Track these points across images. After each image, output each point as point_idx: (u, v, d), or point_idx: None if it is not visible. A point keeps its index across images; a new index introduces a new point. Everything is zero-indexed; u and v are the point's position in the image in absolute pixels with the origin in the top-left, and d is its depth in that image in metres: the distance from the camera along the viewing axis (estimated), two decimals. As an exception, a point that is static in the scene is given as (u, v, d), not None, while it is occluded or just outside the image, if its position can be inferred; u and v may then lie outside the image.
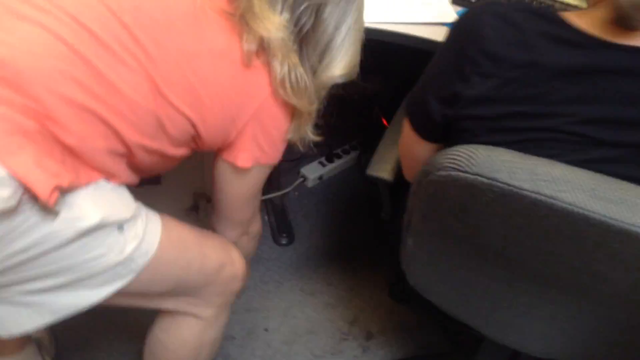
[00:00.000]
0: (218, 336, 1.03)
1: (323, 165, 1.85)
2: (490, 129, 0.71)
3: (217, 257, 0.92)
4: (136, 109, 0.70)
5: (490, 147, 0.65)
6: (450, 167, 0.65)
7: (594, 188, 0.60)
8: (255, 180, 0.89)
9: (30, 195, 0.62)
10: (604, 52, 0.67)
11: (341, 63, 0.81)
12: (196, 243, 0.89)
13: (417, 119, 0.83)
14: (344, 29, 0.79)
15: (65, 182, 0.65)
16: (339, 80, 0.83)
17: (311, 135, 0.86)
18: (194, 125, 0.76)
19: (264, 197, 1.74)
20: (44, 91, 0.63)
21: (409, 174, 0.95)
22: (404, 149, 0.91)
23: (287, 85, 0.76)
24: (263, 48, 0.74)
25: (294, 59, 0.76)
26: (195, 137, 0.79)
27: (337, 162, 1.87)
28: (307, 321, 1.47)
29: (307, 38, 0.78)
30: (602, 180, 0.61)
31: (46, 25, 0.65)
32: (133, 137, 0.72)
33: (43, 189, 0.61)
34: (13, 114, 0.61)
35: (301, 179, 1.82)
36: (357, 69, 0.85)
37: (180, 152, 0.81)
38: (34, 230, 0.64)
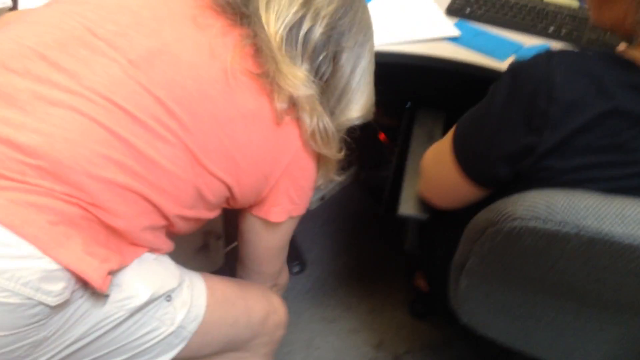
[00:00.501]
0: None
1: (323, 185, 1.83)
2: (568, 182, 0.66)
3: (261, 307, 0.91)
4: (176, 182, 0.69)
5: (568, 191, 0.62)
6: (525, 217, 0.62)
7: (686, 224, 0.58)
8: (285, 232, 0.89)
9: (80, 283, 0.61)
10: None
11: (358, 105, 0.82)
12: (240, 297, 0.88)
13: (476, 172, 0.77)
14: (358, 72, 0.80)
15: (115, 266, 0.64)
16: (357, 122, 0.83)
17: (336, 177, 0.86)
18: (230, 189, 0.75)
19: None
20: (84, 177, 0.62)
21: (435, 197, 0.90)
22: (440, 183, 0.86)
23: (317, 137, 0.76)
24: (293, 104, 0.74)
25: (319, 109, 0.76)
26: (229, 199, 0.78)
27: (337, 180, 1.85)
28: (332, 350, 1.43)
29: (327, 86, 0.78)
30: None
31: (79, 108, 0.63)
32: (174, 209, 0.70)
33: (97, 277, 0.61)
34: (55, 203, 0.60)
35: (304, 202, 1.80)
36: (374, 109, 0.85)
37: (214, 214, 0.80)
38: (87, 318, 0.64)
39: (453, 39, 1.15)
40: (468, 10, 1.22)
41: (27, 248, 0.58)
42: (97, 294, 0.64)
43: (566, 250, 0.64)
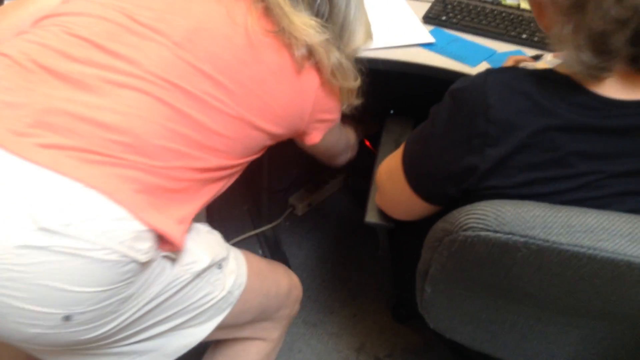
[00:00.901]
0: (276, 356, 1.11)
1: (311, 191, 1.84)
2: (514, 197, 0.66)
3: (286, 282, 1.01)
4: (228, 142, 0.79)
5: (517, 202, 0.63)
6: (477, 227, 0.63)
7: (631, 232, 0.59)
8: (334, 133, 0.99)
9: (157, 246, 0.70)
10: (619, 110, 0.65)
11: (359, 34, 0.90)
12: (270, 271, 0.98)
13: (425, 191, 0.79)
14: (352, 4, 0.88)
15: (187, 226, 0.75)
16: (363, 49, 0.93)
17: (356, 102, 0.95)
18: (271, 136, 0.86)
19: (255, 231, 1.72)
20: (159, 149, 0.70)
21: (390, 210, 0.93)
22: (395, 198, 0.88)
23: (337, 73, 0.85)
24: (309, 51, 0.82)
25: (332, 47, 0.84)
26: (271, 142, 0.88)
27: (325, 187, 1.86)
28: (313, 354, 1.45)
29: (328, 24, 0.85)
30: (638, 221, 0.60)
31: (144, 89, 0.71)
32: (230, 162, 0.81)
33: (178, 235, 0.71)
34: (137, 174, 0.68)
35: (290, 208, 1.81)
36: (371, 29, 0.95)
37: (260, 153, 0.90)
38: (162, 278, 0.73)
39: (427, 46, 1.16)
40: (444, 17, 1.23)
41: (121, 212, 0.65)
42: (169, 258, 0.73)
43: (517, 258, 0.65)
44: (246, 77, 0.78)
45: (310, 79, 0.85)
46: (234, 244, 1.67)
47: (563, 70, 0.67)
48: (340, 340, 1.47)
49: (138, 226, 0.66)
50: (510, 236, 0.63)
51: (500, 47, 1.17)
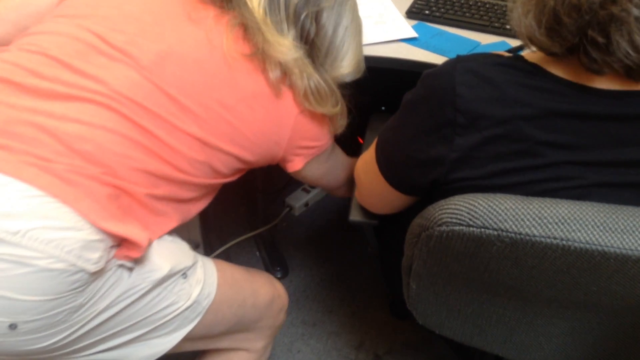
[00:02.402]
0: None
1: (307, 191, 1.83)
2: (485, 189, 0.66)
3: (267, 291, 0.98)
4: (193, 162, 0.79)
5: (490, 195, 0.62)
6: (451, 222, 0.63)
7: (605, 221, 0.58)
8: (322, 164, 0.97)
9: (111, 255, 0.71)
10: (586, 97, 0.64)
11: (345, 61, 0.89)
12: (247, 280, 0.96)
13: (396, 181, 0.79)
14: (341, 30, 0.87)
15: (151, 236, 0.75)
16: (349, 78, 0.91)
17: (342, 127, 0.94)
18: (241, 160, 0.85)
19: (252, 234, 1.72)
20: (119, 159, 0.71)
21: (369, 204, 0.92)
22: (371, 190, 0.87)
23: (310, 96, 0.83)
24: (284, 72, 0.81)
25: (309, 69, 0.83)
26: (243, 166, 0.87)
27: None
28: (313, 354, 1.45)
29: (313, 45, 0.85)
30: (611, 211, 0.60)
31: (109, 105, 0.72)
32: (196, 180, 0.81)
33: (143, 239, 0.71)
34: (98, 184, 0.69)
35: (287, 209, 1.80)
36: (363, 64, 0.94)
37: (233, 178, 0.89)
38: (116, 287, 0.72)
39: (410, 41, 1.16)
40: (427, 11, 1.23)
41: (73, 221, 0.66)
42: (126, 267, 0.73)
43: (493, 252, 0.65)
44: (215, 101, 0.78)
45: (288, 105, 0.84)
46: (231, 247, 1.68)
47: (531, 57, 0.67)
48: (340, 339, 1.47)
49: (88, 235, 0.67)
50: (483, 230, 0.63)
51: (485, 38, 1.16)
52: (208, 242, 1.56)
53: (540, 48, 0.66)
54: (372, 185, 0.85)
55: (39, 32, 0.79)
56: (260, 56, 0.79)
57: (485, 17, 1.19)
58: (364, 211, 0.95)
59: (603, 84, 0.65)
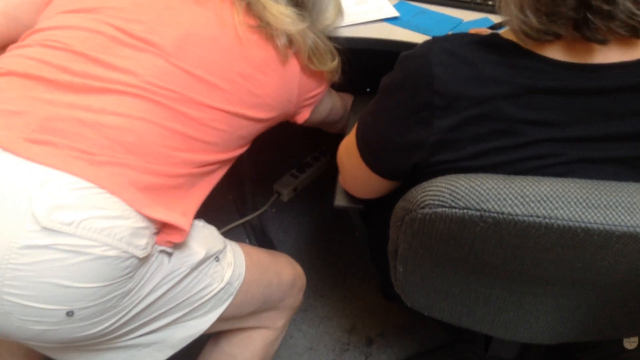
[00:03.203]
0: (279, 344, 1.13)
1: (295, 176, 1.83)
2: (466, 170, 0.65)
3: (289, 272, 1.03)
4: (225, 137, 0.84)
5: (471, 176, 0.61)
6: (433, 204, 0.62)
7: (587, 197, 0.58)
8: (324, 105, 1.06)
9: (153, 241, 0.74)
10: (564, 72, 0.63)
11: (330, 10, 0.97)
12: (271, 261, 0.99)
13: (378, 166, 0.78)
14: None
15: (191, 219, 0.79)
16: (335, 25, 0.99)
17: (338, 77, 1.00)
18: (264, 122, 0.91)
19: (241, 221, 1.71)
20: (159, 149, 0.74)
21: (352, 189, 0.92)
22: (354, 175, 0.86)
23: (313, 57, 0.90)
24: (290, 39, 0.87)
25: (311, 34, 0.89)
26: (263, 127, 0.93)
27: (309, 171, 1.84)
28: (305, 339, 1.45)
29: (302, 4, 0.91)
30: (593, 187, 0.59)
31: (143, 95, 0.75)
32: (225, 155, 0.86)
33: (185, 224, 0.75)
34: (141, 173, 0.72)
35: (276, 195, 1.80)
36: (342, 6, 1.02)
37: (250, 142, 0.95)
38: (159, 272, 0.76)
39: (392, 20, 1.14)
40: (408, -11, 1.20)
41: (121, 209, 0.69)
42: (166, 253, 0.77)
43: (477, 232, 0.64)
44: (235, 74, 0.83)
45: (293, 65, 0.90)
46: (221, 234, 1.67)
47: (508, 35, 0.65)
48: (332, 323, 1.47)
49: (135, 223, 0.70)
50: (465, 211, 0.62)
51: (468, 15, 1.15)
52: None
53: (537, 38, 0.63)
54: (354, 170, 0.84)
55: (55, 27, 0.79)
56: (266, 27, 0.84)
57: (467, -6, 1.17)
58: (349, 196, 0.94)
59: (601, 57, 0.63)
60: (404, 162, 0.72)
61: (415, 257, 0.78)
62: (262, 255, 0.98)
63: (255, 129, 0.91)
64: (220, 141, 0.84)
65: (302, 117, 1.00)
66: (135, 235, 0.70)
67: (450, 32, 1.10)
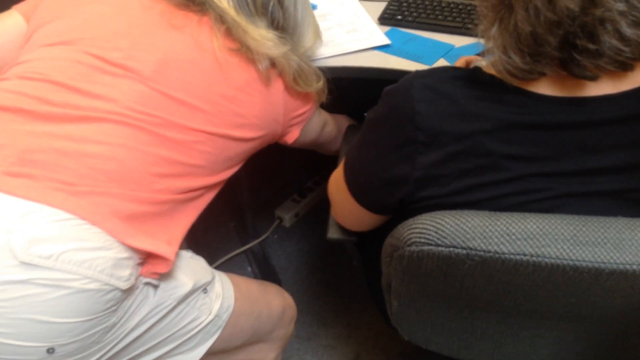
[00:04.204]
0: None
1: (297, 202, 1.82)
2: (451, 206, 0.64)
3: (279, 302, 1.01)
4: (212, 158, 0.83)
5: (457, 213, 0.60)
6: (419, 242, 0.61)
7: (574, 234, 0.56)
8: (314, 125, 1.04)
9: (138, 272, 0.72)
10: (546, 107, 0.62)
11: (309, 34, 0.98)
12: (261, 292, 0.98)
13: (365, 201, 0.77)
14: (299, 6, 0.95)
15: (177, 248, 0.77)
16: (314, 48, 1.00)
17: (324, 97, 1.00)
18: (252, 141, 0.90)
19: (243, 248, 1.71)
20: (143, 175, 0.73)
21: (344, 222, 0.91)
22: (344, 209, 0.86)
23: (298, 79, 0.90)
24: (273, 63, 0.87)
25: (293, 57, 0.89)
26: (252, 147, 0.92)
27: (310, 196, 1.84)
28: (309, 368, 1.43)
29: (284, 29, 0.92)
30: (581, 223, 0.58)
31: (124, 122, 0.74)
32: (212, 178, 0.85)
33: (170, 253, 0.73)
34: (124, 202, 0.71)
35: (278, 221, 1.79)
36: (319, 29, 1.03)
37: (241, 163, 0.94)
38: (144, 305, 0.74)
39: (383, 48, 1.14)
40: (400, 17, 1.21)
41: (102, 240, 0.67)
42: (152, 285, 0.75)
43: (465, 270, 0.63)
44: (218, 96, 0.82)
45: (277, 85, 0.90)
46: (222, 263, 1.67)
47: (490, 69, 0.65)
48: (335, 352, 1.45)
49: (117, 254, 0.68)
50: (452, 249, 0.61)
51: (459, 41, 1.14)
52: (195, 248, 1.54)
53: (523, 78, 0.62)
54: (343, 204, 0.83)
55: (34, 60, 0.79)
56: (247, 51, 0.84)
57: (458, 19, 1.17)
58: (342, 228, 0.93)
59: (594, 90, 0.62)
60: (390, 197, 0.71)
61: (408, 292, 0.77)
62: (251, 286, 0.97)
63: (243, 149, 0.90)
64: (206, 163, 0.83)
65: (292, 137, 0.99)
66: (117, 267, 0.68)
67: (441, 58, 1.10)
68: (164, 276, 0.77)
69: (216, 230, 1.76)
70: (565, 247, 0.57)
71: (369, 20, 1.22)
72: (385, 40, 1.14)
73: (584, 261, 0.57)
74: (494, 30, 0.63)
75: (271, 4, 0.88)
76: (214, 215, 1.63)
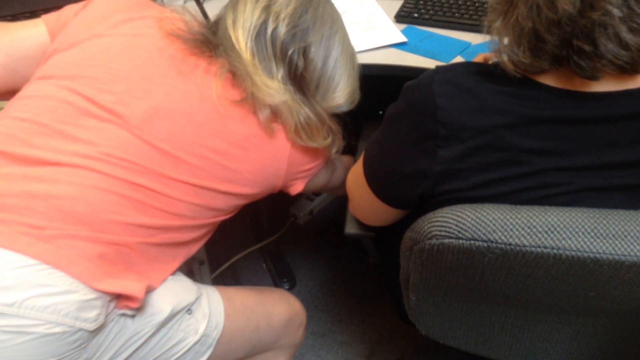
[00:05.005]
0: None
1: (311, 199, 1.83)
2: (471, 200, 0.65)
3: (282, 310, 0.98)
4: (193, 208, 0.80)
5: (477, 206, 0.61)
6: (440, 235, 0.61)
7: (595, 227, 0.57)
8: (321, 178, 0.98)
9: (111, 308, 0.72)
10: (568, 102, 0.62)
11: (338, 92, 0.89)
12: (259, 303, 0.95)
13: (385, 195, 0.78)
14: (331, 62, 0.87)
15: (149, 282, 0.75)
16: (343, 108, 0.91)
17: (335, 154, 0.94)
18: (241, 196, 0.86)
19: (257, 246, 1.72)
20: (110, 220, 0.72)
21: (362, 217, 0.92)
22: (363, 204, 0.86)
23: (301, 131, 0.84)
24: (274, 112, 0.82)
25: (297, 106, 0.83)
26: (244, 201, 0.88)
27: (325, 194, 1.85)
28: (324, 365, 1.44)
29: (303, 79, 0.85)
30: (601, 216, 0.58)
31: (99, 169, 0.73)
32: (197, 222, 0.82)
33: (139, 291, 0.72)
34: (90, 246, 0.70)
35: (292, 218, 1.80)
36: (358, 93, 0.94)
37: (233, 213, 0.90)
38: (121, 336, 0.73)
39: (400, 45, 1.15)
40: (416, 14, 1.21)
41: (67, 284, 0.67)
42: (128, 315, 0.74)
43: (485, 263, 0.64)
44: (207, 149, 0.79)
45: (280, 139, 0.85)
46: (237, 261, 1.68)
47: (509, 65, 0.65)
48: (350, 349, 1.46)
49: (83, 296, 0.68)
50: (473, 242, 0.61)
51: (476, 38, 1.15)
52: (214, 258, 1.56)
53: (526, 70, 0.63)
54: (362, 199, 0.84)
55: (28, 97, 0.79)
56: (250, 100, 0.80)
57: (475, 17, 1.17)
58: (360, 223, 0.94)
59: (599, 86, 0.62)
60: (410, 192, 0.72)
61: (427, 287, 0.78)
62: (247, 299, 0.94)
63: (233, 202, 0.86)
64: (187, 212, 0.80)
65: (295, 190, 0.94)
66: (83, 309, 0.67)
67: (458, 56, 1.10)
68: (140, 306, 0.75)
69: (231, 228, 1.77)
70: (585, 239, 0.58)
71: (385, 18, 1.22)
72: (402, 38, 1.15)
73: (604, 254, 0.57)
74: (499, 23, 0.64)
75: (291, 50, 0.83)
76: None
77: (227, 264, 1.62)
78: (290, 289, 1.62)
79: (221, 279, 1.60)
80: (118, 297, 0.73)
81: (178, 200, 0.78)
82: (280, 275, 1.64)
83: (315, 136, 0.86)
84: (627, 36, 0.57)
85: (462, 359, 1.41)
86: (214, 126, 0.79)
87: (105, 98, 0.77)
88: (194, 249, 0.87)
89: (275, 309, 0.97)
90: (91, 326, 0.68)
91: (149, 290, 0.76)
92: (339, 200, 1.86)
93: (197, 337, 0.82)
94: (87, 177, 0.72)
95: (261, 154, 0.84)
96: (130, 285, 0.72)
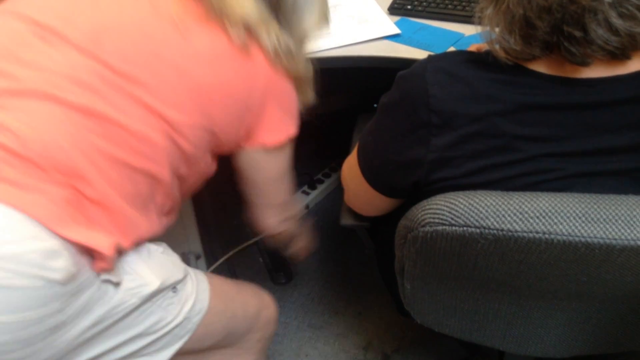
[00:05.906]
0: None
1: (307, 193, 1.84)
2: (465, 187, 0.65)
3: (255, 302, 0.96)
4: (150, 143, 0.71)
5: (470, 193, 0.62)
6: (433, 222, 0.62)
7: (586, 212, 0.57)
8: (283, 158, 0.90)
9: (88, 264, 0.66)
10: (559, 88, 0.63)
11: (311, 15, 0.82)
12: (237, 292, 0.93)
13: (379, 184, 0.79)
14: None
15: (119, 240, 0.69)
16: (315, 32, 0.84)
17: (312, 100, 0.87)
18: (210, 132, 0.77)
19: (253, 240, 1.72)
20: (71, 156, 0.66)
21: (357, 207, 0.92)
22: (358, 194, 0.87)
23: (281, 54, 0.77)
24: (249, 30, 0.75)
25: (275, 27, 0.77)
26: (214, 144, 0.80)
27: (320, 188, 1.85)
28: (321, 357, 1.44)
29: (277, 5, 0.79)
30: (592, 201, 0.59)
31: (53, 95, 0.66)
32: (161, 170, 0.74)
33: (107, 247, 0.66)
34: (52, 187, 0.64)
35: (288, 213, 1.81)
36: (329, 14, 0.88)
37: (204, 168, 0.83)
38: (101, 303, 0.68)
39: (393, 37, 1.15)
40: (409, 6, 1.22)
41: (32, 229, 0.61)
42: (110, 282, 0.69)
43: (478, 249, 0.64)
44: (167, 66, 0.72)
45: (261, 64, 0.78)
46: (233, 255, 1.68)
47: (501, 52, 0.66)
48: (347, 341, 1.47)
49: (47, 244, 0.62)
50: (465, 228, 0.62)
51: (469, 30, 1.15)
52: (210, 252, 1.56)
53: (517, 58, 0.64)
54: (357, 189, 0.84)
55: None
56: (218, 16, 0.73)
57: (467, 8, 1.18)
58: (355, 214, 0.94)
59: (590, 72, 0.63)
60: (404, 180, 0.72)
61: (422, 275, 0.78)
62: (227, 285, 0.92)
63: (203, 143, 0.77)
64: (145, 148, 0.72)
65: (270, 138, 0.84)
66: (49, 257, 0.61)
67: (451, 47, 1.11)
68: (127, 273, 0.71)
69: (227, 222, 1.77)
70: (577, 224, 0.58)
71: (379, 10, 1.23)
72: (396, 30, 1.16)
73: (596, 238, 0.58)
74: (490, 10, 0.64)
75: None
76: (225, 206, 1.65)
77: (223, 258, 1.63)
78: (286, 283, 1.63)
79: (217, 273, 1.61)
80: (93, 258, 0.67)
81: (132, 132, 0.70)
82: (276, 269, 1.65)
83: (297, 61, 0.80)
84: (617, 21, 0.58)
85: (457, 349, 1.43)
86: (174, 42, 0.72)
87: (49, 18, 0.71)
88: (166, 203, 0.78)
89: (250, 299, 0.96)
90: (59, 275, 0.62)
91: (119, 249, 0.70)
92: (335, 194, 1.87)
93: (179, 319, 0.77)
94: (37, 112, 0.66)
95: (235, 76, 0.76)
96: (97, 238, 0.66)
